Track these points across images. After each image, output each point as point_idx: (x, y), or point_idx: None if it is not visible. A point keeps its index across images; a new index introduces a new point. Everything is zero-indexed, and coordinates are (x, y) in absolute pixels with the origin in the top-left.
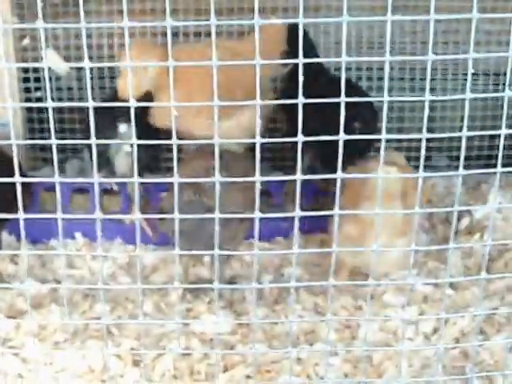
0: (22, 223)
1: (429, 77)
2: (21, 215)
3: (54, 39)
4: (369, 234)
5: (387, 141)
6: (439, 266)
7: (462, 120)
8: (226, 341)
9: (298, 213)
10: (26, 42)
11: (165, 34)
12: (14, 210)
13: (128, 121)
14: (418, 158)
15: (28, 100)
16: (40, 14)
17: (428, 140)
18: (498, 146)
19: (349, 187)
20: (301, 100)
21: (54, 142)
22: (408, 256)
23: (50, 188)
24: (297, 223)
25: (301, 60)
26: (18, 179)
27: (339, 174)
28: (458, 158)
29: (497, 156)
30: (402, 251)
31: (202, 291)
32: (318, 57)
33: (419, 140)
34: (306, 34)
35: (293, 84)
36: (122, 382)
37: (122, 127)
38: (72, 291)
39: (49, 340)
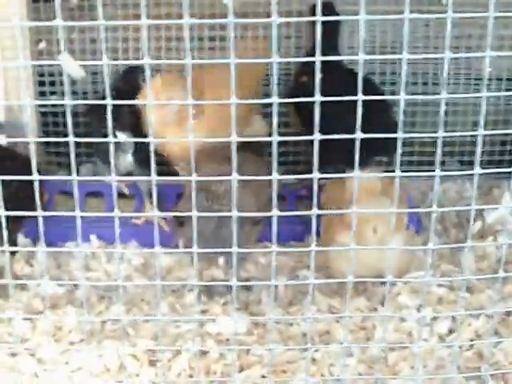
0: (40, 220)
1: (445, 74)
2: (39, 213)
3: (70, 43)
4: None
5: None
6: (453, 269)
7: (473, 125)
8: (242, 341)
9: (315, 211)
10: (42, 45)
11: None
12: (30, 211)
13: (127, 130)
14: (430, 163)
15: (43, 105)
16: (58, 11)
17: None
18: (509, 151)
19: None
20: (318, 98)
21: (71, 139)
22: (407, 253)
23: (64, 191)
24: (314, 222)
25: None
26: (35, 177)
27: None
28: (469, 163)
29: (508, 161)
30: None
31: (216, 293)
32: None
33: (432, 144)
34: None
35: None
36: (137, 382)
37: (121, 136)
38: (88, 293)
39: (64, 340)
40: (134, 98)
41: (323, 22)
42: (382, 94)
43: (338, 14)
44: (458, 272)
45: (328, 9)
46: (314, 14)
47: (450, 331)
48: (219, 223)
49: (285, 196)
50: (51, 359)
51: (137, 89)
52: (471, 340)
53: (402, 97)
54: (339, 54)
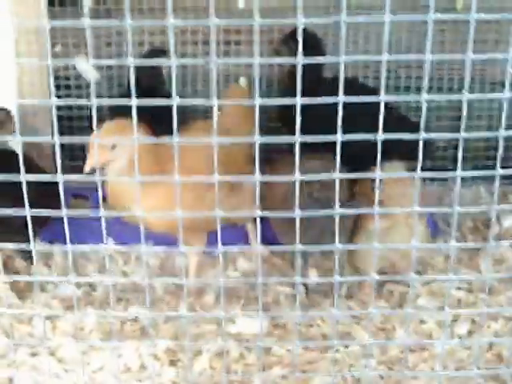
0: (65, 220)
1: (468, 78)
2: (64, 212)
3: (86, 47)
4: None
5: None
6: (471, 272)
7: (488, 129)
8: (262, 342)
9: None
10: (58, 48)
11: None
12: (45, 217)
13: None
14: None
15: (58, 108)
16: (86, 10)
17: (454, 148)
18: None
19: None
20: (341, 99)
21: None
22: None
23: (78, 195)
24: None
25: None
26: (59, 177)
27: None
28: (484, 168)
29: None
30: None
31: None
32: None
33: (443, 149)
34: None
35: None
36: (158, 381)
37: None
38: (106, 295)
39: (85, 340)
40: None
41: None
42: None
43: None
44: (476, 275)
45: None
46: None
47: (470, 332)
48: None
49: None
50: (72, 359)
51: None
52: (490, 342)
53: (424, 97)
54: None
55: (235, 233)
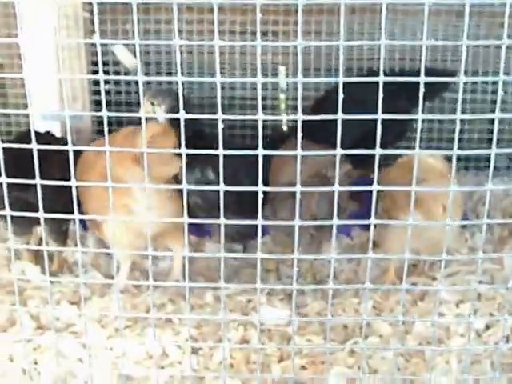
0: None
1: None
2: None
3: (124, 34)
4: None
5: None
6: (494, 267)
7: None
8: (283, 332)
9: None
10: (96, 37)
11: None
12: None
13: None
14: (477, 159)
15: (97, 103)
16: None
17: (488, 140)
18: None
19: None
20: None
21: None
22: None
23: None
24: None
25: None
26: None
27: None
28: None
29: None
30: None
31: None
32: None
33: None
34: None
35: None
36: (180, 369)
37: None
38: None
39: (110, 327)
40: None
41: None
42: None
43: None
44: (499, 270)
45: None
46: None
47: (487, 327)
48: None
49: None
50: (96, 345)
51: None
52: (507, 336)
53: (461, 79)
54: None
55: None
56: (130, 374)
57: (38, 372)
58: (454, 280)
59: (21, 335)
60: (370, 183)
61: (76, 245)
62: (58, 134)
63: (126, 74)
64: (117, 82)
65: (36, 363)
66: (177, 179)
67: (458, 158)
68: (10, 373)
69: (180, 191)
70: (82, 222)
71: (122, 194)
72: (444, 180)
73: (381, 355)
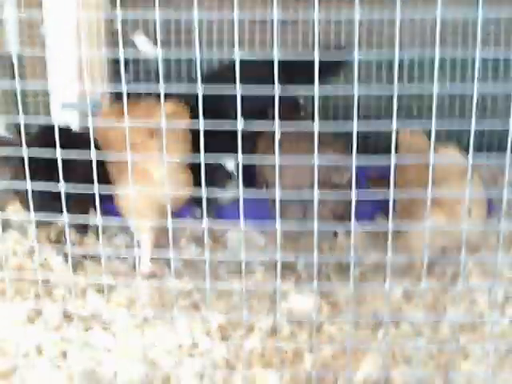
0: None
1: None
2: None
3: (144, 24)
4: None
5: None
6: None
7: None
8: (313, 320)
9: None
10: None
11: None
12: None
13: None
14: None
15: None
16: None
17: None
18: None
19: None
20: None
21: None
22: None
23: None
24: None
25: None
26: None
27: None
28: None
29: None
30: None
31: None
32: None
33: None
34: None
35: None
36: (210, 358)
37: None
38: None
39: (138, 315)
40: None
41: None
42: None
43: None
44: None
45: None
46: None
47: None
48: None
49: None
50: (125, 333)
51: None
52: None
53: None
54: None
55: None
56: (160, 364)
57: (66, 363)
58: (485, 267)
59: (47, 326)
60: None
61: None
62: (76, 122)
63: (144, 60)
64: (135, 61)
65: (64, 354)
66: None
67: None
68: (39, 364)
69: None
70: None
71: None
72: (465, 177)
73: (413, 343)
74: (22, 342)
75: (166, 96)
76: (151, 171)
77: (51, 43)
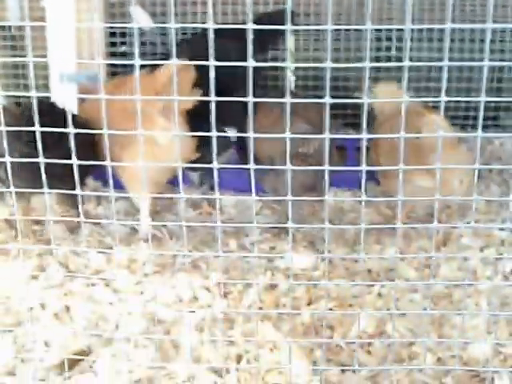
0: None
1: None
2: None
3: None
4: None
5: None
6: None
7: None
8: (309, 276)
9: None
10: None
11: None
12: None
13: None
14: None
15: (113, 54)
16: None
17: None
18: None
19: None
20: None
21: None
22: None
23: None
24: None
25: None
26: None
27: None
28: None
29: None
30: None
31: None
32: None
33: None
34: None
35: None
36: (209, 312)
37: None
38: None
39: (139, 272)
40: None
41: None
42: None
43: None
44: None
45: None
46: None
47: None
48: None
49: (345, 146)
50: (126, 289)
51: None
52: None
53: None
54: None
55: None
56: (161, 317)
57: (69, 317)
58: (476, 228)
59: (50, 283)
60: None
61: (96, 199)
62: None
63: (141, 34)
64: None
65: (68, 308)
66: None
67: (466, 117)
68: (43, 318)
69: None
70: (101, 177)
71: (147, 124)
72: (454, 147)
73: (409, 297)
74: (26, 298)
75: None
76: (156, 139)
77: (50, 15)
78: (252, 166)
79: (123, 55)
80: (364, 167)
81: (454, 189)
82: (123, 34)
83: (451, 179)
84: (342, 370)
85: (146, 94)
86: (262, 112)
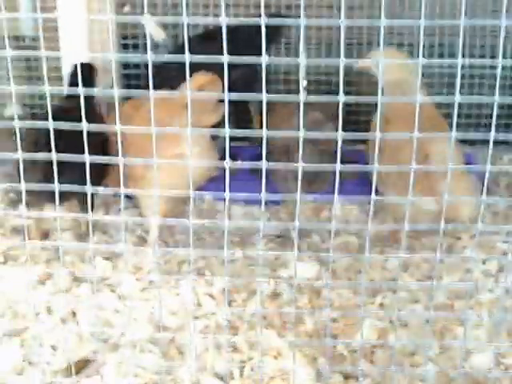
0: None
1: None
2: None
3: (153, 8)
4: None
5: None
6: None
7: None
8: (312, 286)
9: None
10: (127, 9)
11: None
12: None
13: None
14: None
15: (126, 65)
16: None
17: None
18: None
19: None
20: None
21: None
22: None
23: None
24: None
25: None
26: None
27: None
28: None
29: None
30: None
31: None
32: None
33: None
34: None
35: None
36: (213, 319)
37: None
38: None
39: (144, 279)
40: None
41: None
42: None
43: None
44: None
45: None
46: None
47: None
48: None
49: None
50: (131, 296)
51: None
52: None
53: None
54: None
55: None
56: (166, 324)
57: (76, 322)
58: (479, 240)
59: (57, 288)
60: None
61: (104, 207)
62: None
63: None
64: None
65: (74, 314)
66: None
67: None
68: (49, 323)
69: None
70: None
71: (173, 143)
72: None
73: (411, 308)
74: (33, 303)
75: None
76: (184, 154)
77: (62, 9)
78: (264, 163)
79: (136, 66)
80: (376, 166)
81: (461, 215)
82: (136, 46)
83: (457, 205)
84: (345, 378)
85: (172, 110)
86: (278, 104)
